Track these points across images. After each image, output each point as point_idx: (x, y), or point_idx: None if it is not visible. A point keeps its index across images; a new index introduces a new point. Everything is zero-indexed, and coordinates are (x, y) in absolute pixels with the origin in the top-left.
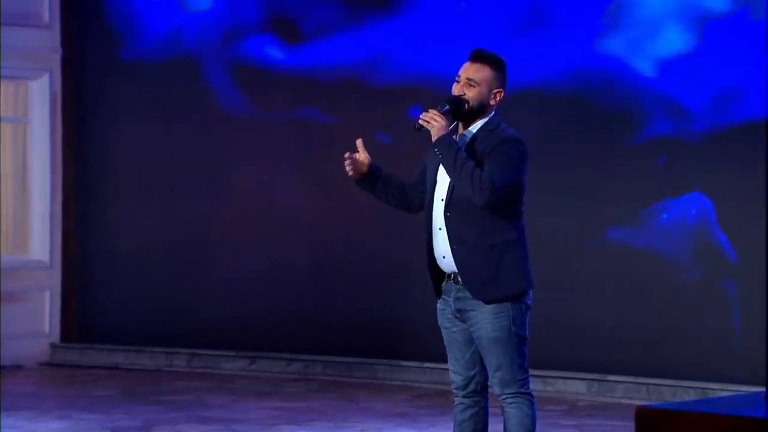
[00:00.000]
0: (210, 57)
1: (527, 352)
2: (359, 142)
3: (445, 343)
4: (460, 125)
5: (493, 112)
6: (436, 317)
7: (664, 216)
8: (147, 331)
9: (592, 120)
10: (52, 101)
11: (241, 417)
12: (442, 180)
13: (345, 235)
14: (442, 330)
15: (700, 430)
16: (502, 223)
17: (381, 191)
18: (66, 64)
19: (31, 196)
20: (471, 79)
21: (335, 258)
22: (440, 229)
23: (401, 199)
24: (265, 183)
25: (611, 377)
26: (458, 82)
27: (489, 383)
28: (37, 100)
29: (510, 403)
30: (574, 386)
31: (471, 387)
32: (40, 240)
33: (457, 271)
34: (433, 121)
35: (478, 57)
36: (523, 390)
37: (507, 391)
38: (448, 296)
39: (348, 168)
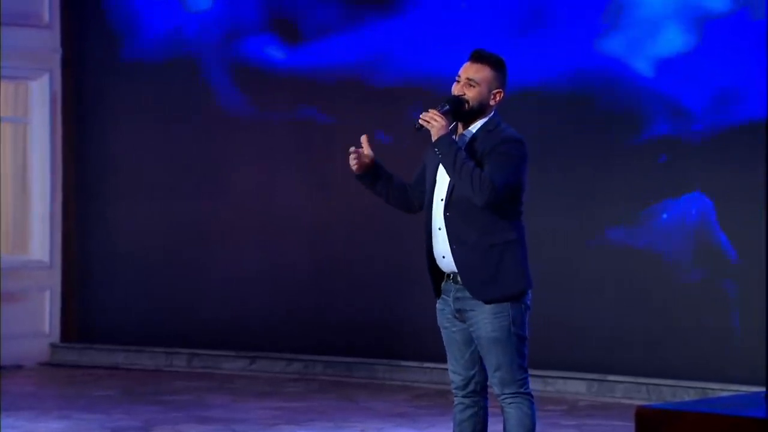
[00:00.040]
0: (210, 57)
1: (527, 352)
2: (364, 138)
3: (444, 343)
4: (460, 125)
5: (492, 112)
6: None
7: (664, 216)
8: (147, 331)
9: (592, 120)
10: (52, 101)
11: (241, 417)
12: (442, 180)
13: (345, 235)
14: (441, 330)
15: (700, 430)
16: (502, 223)
17: (382, 189)
18: (66, 64)
19: (31, 196)
20: (471, 79)
21: (335, 258)
22: (440, 229)
23: (401, 199)
24: (265, 183)
25: (611, 377)
26: (458, 82)
27: (488, 383)
28: (37, 100)
29: (510, 403)
30: (574, 386)
31: (470, 387)
32: (40, 240)
33: (456, 271)
34: (433, 121)
35: (478, 57)
36: (522, 390)
37: (507, 391)
38: (448, 296)
39: (353, 162)
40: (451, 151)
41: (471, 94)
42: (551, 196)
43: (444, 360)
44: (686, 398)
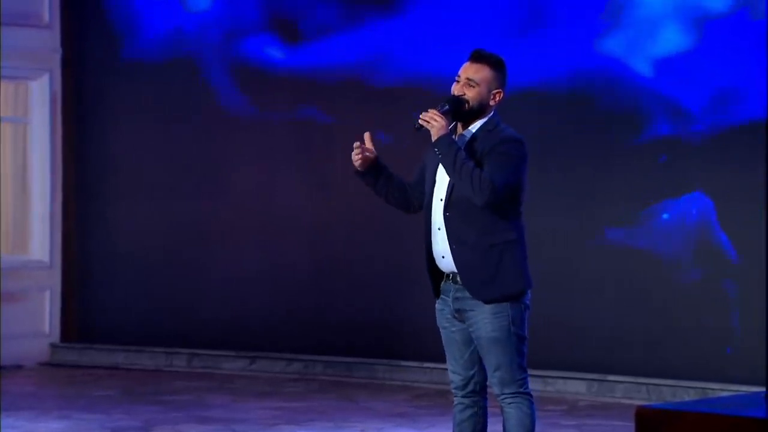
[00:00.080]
0: (210, 57)
1: (526, 352)
2: (367, 135)
3: (443, 343)
4: (459, 125)
5: (492, 112)
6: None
7: (664, 216)
8: (147, 331)
9: (592, 120)
10: (52, 101)
11: (241, 417)
12: (441, 180)
13: (345, 235)
14: (440, 330)
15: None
16: (502, 223)
17: (382, 187)
18: (66, 64)
19: (31, 196)
20: (471, 79)
21: (335, 258)
22: (439, 229)
23: (401, 198)
24: (265, 183)
25: (611, 377)
26: (458, 82)
27: (488, 383)
28: (37, 100)
29: (509, 403)
30: (574, 386)
31: (470, 387)
32: (40, 240)
33: (456, 271)
34: (433, 121)
35: (477, 57)
36: (522, 390)
37: (506, 390)
38: (447, 296)
39: (357, 157)
40: (450, 151)
41: (471, 94)
42: (551, 196)
43: (444, 360)
44: (686, 398)
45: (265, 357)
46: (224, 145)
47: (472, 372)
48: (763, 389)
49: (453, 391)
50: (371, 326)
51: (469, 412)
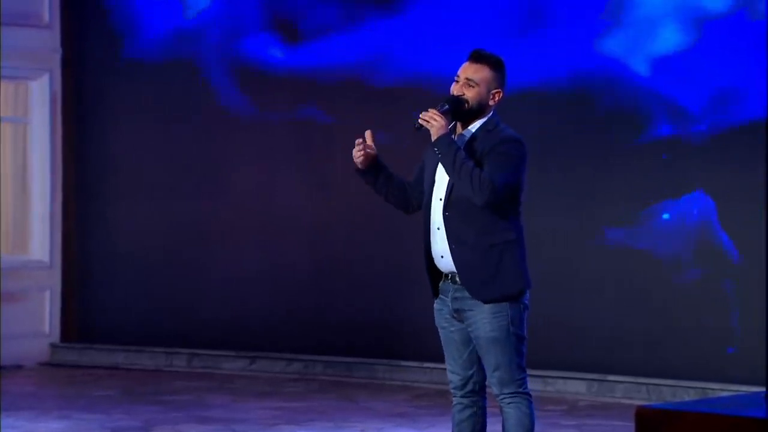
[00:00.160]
0: (210, 57)
1: (525, 352)
2: (368, 133)
3: (442, 343)
4: (459, 125)
5: (491, 112)
6: None
7: (665, 216)
8: (147, 331)
9: (592, 120)
10: (52, 101)
11: (241, 417)
12: (441, 179)
13: (345, 235)
14: (439, 330)
15: (700, 430)
16: (502, 223)
17: (382, 186)
18: (66, 64)
19: (31, 196)
20: (470, 79)
21: (335, 258)
22: (438, 228)
23: (400, 198)
24: (265, 183)
25: (611, 377)
26: (457, 82)
27: (487, 383)
28: (37, 100)
29: (508, 403)
30: (574, 386)
31: (469, 387)
32: (40, 240)
33: (455, 270)
34: (433, 121)
35: (477, 57)
36: (521, 390)
37: (505, 390)
38: (446, 296)
39: (358, 154)
40: (450, 151)
41: (470, 94)
42: (551, 196)
43: (444, 360)
44: (686, 398)
45: (265, 357)
46: (224, 145)
47: (471, 372)
48: (763, 389)
49: (452, 391)
50: (371, 326)
51: (468, 412)
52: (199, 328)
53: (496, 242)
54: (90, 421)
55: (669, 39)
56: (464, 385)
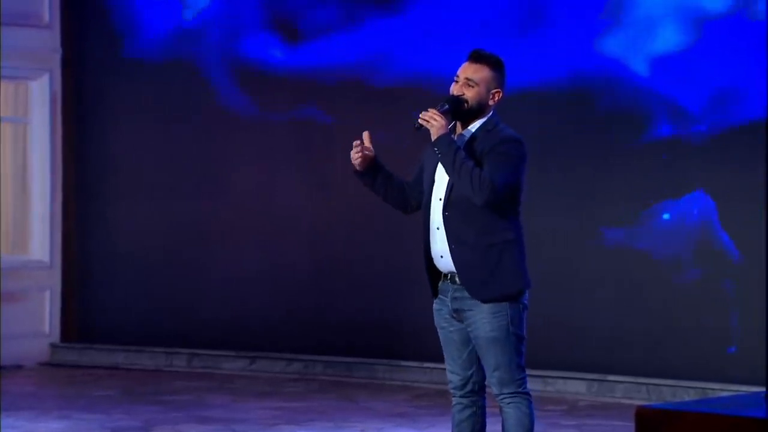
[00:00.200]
0: (210, 57)
1: (525, 352)
2: (366, 134)
3: (441, 343)
4: (459, 125)
5: (491, 112)
6: None
7: (665, 216)
8: (147, 331)
9: (592, 120)
10: (52, 101)
11: (241, 417)
12: (440, 179)
13: (345, 235)
14: (438, 330)
15: (700, 430)
16: (501, 223)
17: (381, 186)
18: (66, 64)
19: (31, 196)
20: (470, 79)
21: (335, 258)
22: (438, 228)
23: (399, 198)
24: (265, 183)
25: (611, 377)
26: (457, 82)
27: (487, 383)
28: (37, 100)
29: (508, 403)
30: (574, 386)
31: (468, 387)
32: (40, 240)
33: (455, 270)
34: (433, 120)
35: (476, 57)
36: (521, 390)
37: (505, 390)
38: (445, 296)
39: (356, 156)
40: (450, 151)
41: (470, 94)
42: (551, 196)
43: (444, 360)
44: (686, 398)
45: (265, 357)
46: (224, 145)
47: (470, 372)
48: (763, 389)
49: (451, 391)
50: (371, 326)
51: (467, 412)
52: (199, 328)
53: (495, 242)
54: (90, 421)
55: (669, 39)
56: (464, 385)
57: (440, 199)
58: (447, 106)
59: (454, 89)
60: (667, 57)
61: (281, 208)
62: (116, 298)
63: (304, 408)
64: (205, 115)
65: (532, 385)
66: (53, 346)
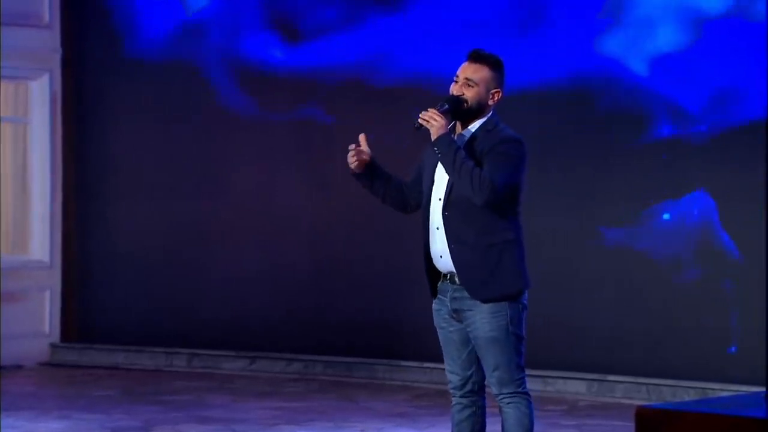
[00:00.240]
0: (210, 57)
1: (524, 352)
2: (362, 137)
3: (441, 343)
4: (458, 125)
5: (491, 112)
6: None
7: (665, 216)
8: (147, 331)
9: (592, 120)
10: (52, 101)
11: (241, 417)
12: (440, 179)
13: (345, 235)
14: (438, 330)
15: (700, 430)
16: (501, 223)
17: (379, 188)
18: (66, 64)
19: (31, 196)
20: (469, 79)
21: (335, 258)
22: (438, 228)
23: (398, 198)
24: (265, 183)
25: (611, 377)
26: (456, 82)
27: (486, 383)
28: (37, 100)
29: (508, 403)
30: (574, 386)
31: (468, 387)
32: (40, 240)
33: (454, 270)
34: (433, 120)
35: (476, 57)
36: (520, 389)
37: (505, 390)
38: (445, 296)
39: (352, 159)
40: (450, 151)
41: (469, 94)
42: (551, 196)
43: (443, 360)
44: (686, 398)
45: (265, 357)
46: (224, 145)
47: (470, 372)
48: (763, 389)
49: (451, 391)
50: (371, 326)
51: (467, 412)
52: (199, 328)
53: (495, 242)
54: (90, 421)
55: (668, 39)
56: (463, 385)
57: (440, 199)
58: (447, 106)
59: (454, 89)
60: (667, 57)
61: (281, 208)
62: (116, 298)
63: (304, 408)
64: (205, 115)
65: (532, 385)
66: (53, 346)
